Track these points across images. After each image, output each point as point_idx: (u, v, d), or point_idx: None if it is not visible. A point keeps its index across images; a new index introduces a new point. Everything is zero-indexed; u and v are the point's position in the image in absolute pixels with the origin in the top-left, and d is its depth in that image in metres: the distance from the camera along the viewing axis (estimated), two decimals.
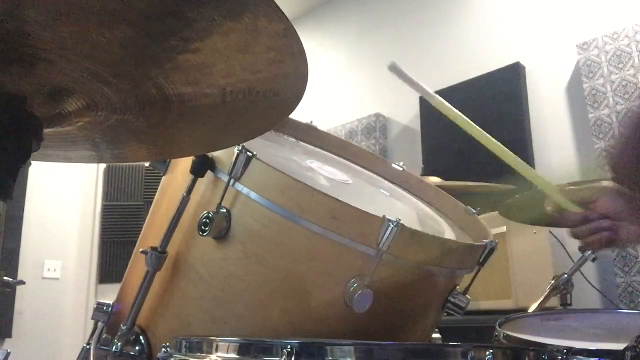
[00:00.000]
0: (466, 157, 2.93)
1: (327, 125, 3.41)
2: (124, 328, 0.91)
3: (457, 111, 0.98)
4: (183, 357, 0.73)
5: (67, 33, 0.45)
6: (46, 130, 0.58)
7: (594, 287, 2.23)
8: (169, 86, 0.53)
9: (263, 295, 0.87)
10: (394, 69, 0.95)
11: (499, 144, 0.96)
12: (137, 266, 0.99)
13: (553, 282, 1.52)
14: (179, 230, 0.90)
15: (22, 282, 1.17)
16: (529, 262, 2.06)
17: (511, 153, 0.95)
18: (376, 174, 1.39)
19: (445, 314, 1.02)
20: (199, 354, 0.72)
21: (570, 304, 1.54)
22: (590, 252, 1.50)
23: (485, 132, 0.97)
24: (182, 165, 0.97)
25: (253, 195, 0.84)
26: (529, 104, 2.87)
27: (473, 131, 0.97)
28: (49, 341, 3.41)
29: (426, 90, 0.99)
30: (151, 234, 1.03)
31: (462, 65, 3.13)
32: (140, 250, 0.91)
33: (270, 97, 0.57)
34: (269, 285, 0.86)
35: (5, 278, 1.00)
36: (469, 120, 0.97)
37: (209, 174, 0.89)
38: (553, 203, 0.90)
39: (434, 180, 2.09)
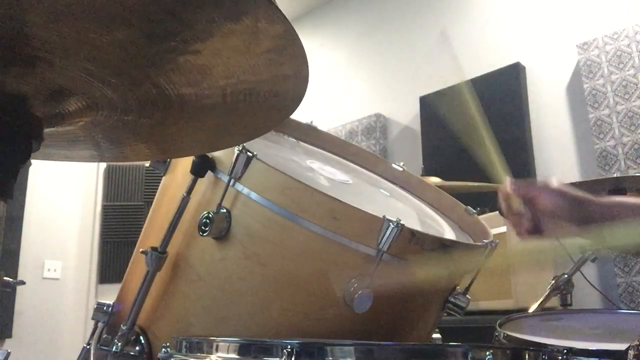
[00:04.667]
0: (466, 157, 2.93)
1: (327, 125, 3.42)
2: (124, 328, 0.91)
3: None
4: (183, 357, 0.73)
5: (68, 34, 0.45)
6: (46, 130, 0.58)
7: (594, 287, 2.23)
8: (169, 87, 0.53)
9: (263, 295, 0.87)
10: (444, 36, 0.99)
11: (495, 152, 0.97)
12: (137, 266, 0.99)
13: (553, 282, 1.52)
14: (179, 230, 0.90)
15: (22, 282, 1.17)
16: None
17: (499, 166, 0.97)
18: (376, 174, 1.39)
19: (445, 314, 1.02)
20: (199, 354, 0.72)
21: (570, 304, 1.54)
22: (590, 252, 1.50)
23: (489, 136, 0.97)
24: (182, 165, 0.97)
25: (253, 195, 0.84)
26: (529, 104, 2.87)
27: (479, 128, 0.98)
28: (49, 341, 3.41)
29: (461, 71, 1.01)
30: (151, 234, 1.03)
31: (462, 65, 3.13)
32: (140, 250, 0.91)
33: (270, 98, 0.57)
34: (269, 285, 0.86)
35: (5, 278, 1.00)
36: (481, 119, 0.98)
37: (209, 174, 0.89)
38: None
39: (434, 180, 2.09)
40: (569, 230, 0.89)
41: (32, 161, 0.58)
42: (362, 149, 1.44)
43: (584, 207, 0.87)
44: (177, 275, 0.91)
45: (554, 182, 0.90)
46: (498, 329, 1.08)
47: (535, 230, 0.89)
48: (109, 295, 1.08)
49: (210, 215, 0.84)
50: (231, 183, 0.85)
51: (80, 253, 3.70)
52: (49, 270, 3.54)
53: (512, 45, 3.02)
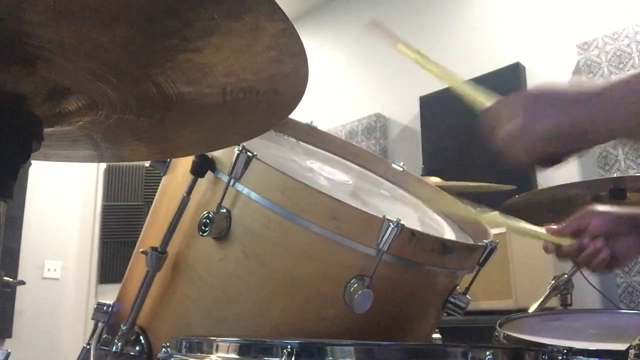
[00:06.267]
0: (466, 157, 2.93)
1: (327, 125, 3.41)
2: (124, 328, 0.90)
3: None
4: (183, 357, 0.73)
5: (67, 32, 0.45)
6: (46, 130, 0.58)
7: (594, 287, 2.23)
8: (169, 85, 0.53)
9: (263, 295, 0.87)
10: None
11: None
12: (137, 266, 0.98)
13: (553, 282, 1.52)
14: (178, 230, 0.90)
15: (22, 282, 1.17)
16: (529, 262, 2.06)
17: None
18: (376, 174, 1.39)
19: (445, 314, 1.02)
20: (199, 354, 0.72)
21: (570, 304, 1.54)
22: None
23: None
24: (182, 165, 0.97)
25: (253, 195, 0.84)
26: None
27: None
28: (49, 341, 3.41)
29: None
30: (151, 234, 1.03)
31: (462, 65, 3.11)
32: (140, 250, 0.91)
33: (270, 96, 0.57)
34: (269, 285, 0.86)
35: (5, 278, 1.00)
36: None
37: (209, 174, 0.89)
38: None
39: (434, 180, 2.09)
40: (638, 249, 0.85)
41: (32, 161, 0.58)
42: (362, 149, 1.44)
43: (635, 220, 0.84)
44: (177, 275, 0.91)
45: (594, 207, 0.87)
46: (498, 329, 1.07)
47: (610, 259, 0.86)
48: (109, 295, 1.08)
49: (210, 215, 0.84)
50: (231, 183, 0.85)
51: (80, 253, 3.70)
52: (49, 270, 3.54)
53: (512, 45, 3.02)
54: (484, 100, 0.82)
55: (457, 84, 0.86)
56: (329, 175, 1.13)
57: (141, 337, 0.91)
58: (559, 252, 0.89)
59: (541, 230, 0.91)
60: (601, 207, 0.87)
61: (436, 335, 1.24)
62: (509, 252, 2.04)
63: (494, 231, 1.12)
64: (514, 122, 0.72)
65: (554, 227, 0.89)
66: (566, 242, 0.88)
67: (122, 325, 0.91)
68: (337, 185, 1.10)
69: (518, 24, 3.05)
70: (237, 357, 0.67)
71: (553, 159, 0.73)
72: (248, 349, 0.67)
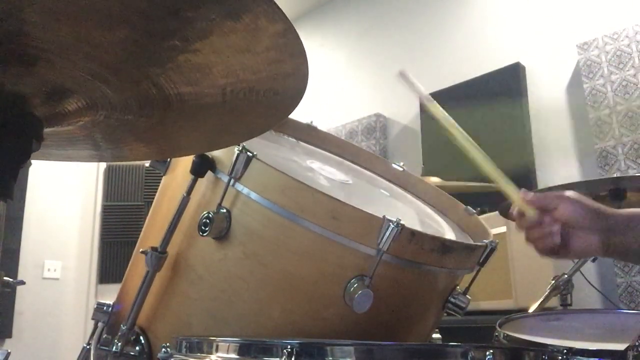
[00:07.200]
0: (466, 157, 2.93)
1: (327, 125, 3.41)
2: (124, 328, 0.91)
3: (453, 121, 0.98)
4: (183, 357, 0.73)
5: (67, 33, 0.45)
6: (46, 130, 0.58)
7: (594, 287, 2.23)
8: (169, 86, 0.53)
9: (263, 295, 0.87)
10: (403, 76, 0.97)
11: (491, 164, 0.97)
12: (137, 266, 0.99)
13: (553, 282, 1.52)
14: (179, 230, 0.90)
15: (22, 282, 1.17)
16: (529, 262, 2.06)
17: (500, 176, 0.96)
18: (376, 174, 1.39)
19: (445, 314, 1.02)
20: (199, 354, 0.72)
21: (570, 304, 1.54)
22: None
23: (479, 149, 0.98)
24: (182, 165, 0.97)
25: (253, 195, 0.84)
26: (529, 104, 2.87)
27: (465, 144, 0.99)
28: (49, 341, 3.41)
29: (428, 97, 1.01)
30: (151, 234, 1.03)
31: (462, 65, 3.13)
32: (140, 250, 0.91)
33: (270, 96, 0.57)
34: (269, 285, 0.86)
35: (5, 278, 1.00)
36: (464, 133, 0.98)
37: (209, 174, 0.89)
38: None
39: (434, 180, 2.09)
40: (592, 248, 0.86)
41: (32, 161, 0.58)
42: (362, 149, 1.44)
43: (604, 218, 0.85)
44: (177, 275, 0.91)
45: (571, 193, 0.88)
46: (498, 329, 1.07)
47: (558, 246, 0.87)
48: (109, 295, 1.08)
49: (210, 215, 0.84)
50: (231, 183, 0.85)
51: (80, 253, 3.70)
52: (49, 270, 3.54)
53: (512, 45, 3.02)
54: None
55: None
56: (329, 175, 1.13)
57: (141, 337, 0.92)
58: (520, 222, 0.90)
59: (516, 193, 0.92)
60: (576, 195, 0.87)
61: (436, 335, 1.24)
62: (509, 252, 2.04)
63: (494, 231, 1.12)
64: None
65: (528, 194, 0.90)
66: (531, 213, 0.89)
67: (122, 325, 0.91)
68: (337, 185, 1.10)
69: (518, 24, 3.05)
70: (237, 357, 0.67)
71: None
72: (248, 349, 0.67)
